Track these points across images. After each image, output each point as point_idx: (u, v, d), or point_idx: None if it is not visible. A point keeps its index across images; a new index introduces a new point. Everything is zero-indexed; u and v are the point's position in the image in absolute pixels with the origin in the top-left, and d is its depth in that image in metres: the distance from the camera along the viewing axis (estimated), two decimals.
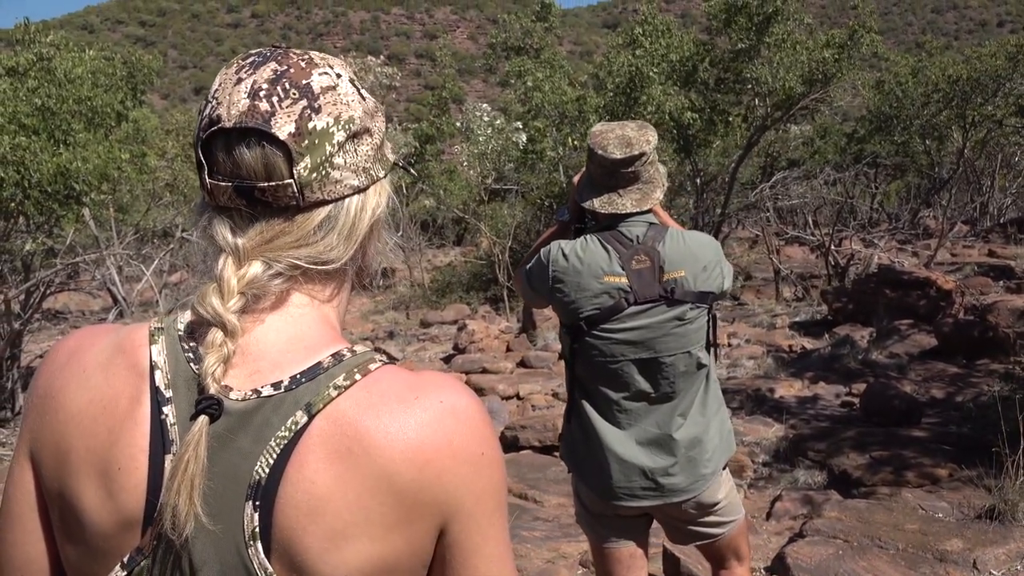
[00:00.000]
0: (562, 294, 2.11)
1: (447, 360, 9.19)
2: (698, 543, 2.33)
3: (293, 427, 0.73)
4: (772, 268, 12.30)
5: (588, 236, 2.15)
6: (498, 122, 12.40)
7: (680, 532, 2.32)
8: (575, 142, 13.38)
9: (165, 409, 0.75)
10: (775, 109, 13.18)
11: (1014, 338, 7.60)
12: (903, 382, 6.71)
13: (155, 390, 0.76)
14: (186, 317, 0.80)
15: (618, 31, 14.12)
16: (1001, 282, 12.02)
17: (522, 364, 8.43)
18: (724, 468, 2.25)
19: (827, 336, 8.97)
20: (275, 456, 0.72)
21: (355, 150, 0.80)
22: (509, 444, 5.90)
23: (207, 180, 0.77)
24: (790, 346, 8.84)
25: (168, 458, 0.73)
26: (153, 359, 0.78)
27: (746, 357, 8.19)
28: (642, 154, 2.06)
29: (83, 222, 11.69)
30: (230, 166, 0.76)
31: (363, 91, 0.84)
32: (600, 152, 2.08)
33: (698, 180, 14.43)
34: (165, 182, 15.12)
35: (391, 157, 0.88)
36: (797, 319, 10.32)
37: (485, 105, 13.63)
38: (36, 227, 8.77)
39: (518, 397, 7.29)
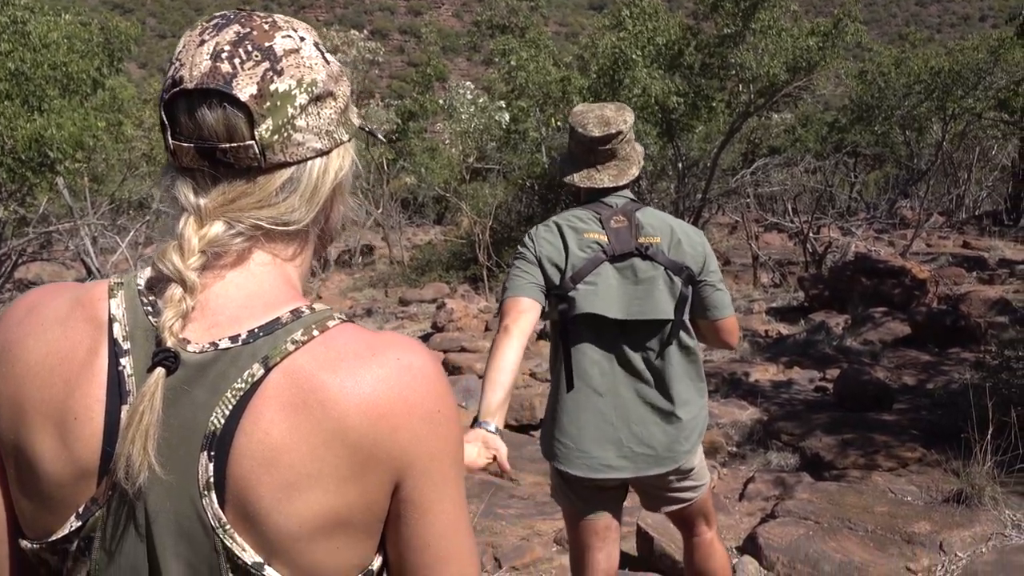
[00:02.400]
0: (548, 256, 2.18)
1: (425, 338, 9.18)
2: (671, 508, 2.40)
3: (249, 379, 0.74)
4: (751, 254, 12.39)
5: (571, 209, 2.28)
6: (481, 101, 12.32)
7: (656, 499, 2.40)
8: (558, 123, 13.34)
9: (123, 360, 0.76)
10: (759, 96, 13.20)
11: (985, 328, 7.73)
12: (876, 368, 6.80)
13: (113, 342, 0.77)
14: (146, 273, 0.81)
15: (604, 12, 14.04)
16: (974, 273, 12.20)
17: None
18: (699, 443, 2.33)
19: (803, 322, 9.06)
20: (231, 407, 0.73)
21: (318, 113, 0.81)
22: None
23: (170, 141, 0.78)
24: (766, 331, 8.92)
25: (124, 408, 0.74)
26: (112, 312, 0.79)
27: None
28: (619, 132, 2.20)
29: (57, 191, 11.48)
30: (192, 127, 0.77)
31: (327, 55, 0.85)
32: (580, 130, 2.22)
33: (680, 164, 14.45)
34: (142, 152, 14.88)
35: (356, 122, 0.89)
36: (774, 305, 10.41)
37: (469, 83, 13.53)
38: (8, 195, 8.60)
39: None
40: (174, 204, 0.80)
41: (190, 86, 0.76)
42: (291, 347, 0.75)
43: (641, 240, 2.18)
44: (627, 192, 2.29)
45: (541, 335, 8.50)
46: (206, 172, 0.78)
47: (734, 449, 5.22)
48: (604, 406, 2.21)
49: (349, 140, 0.87)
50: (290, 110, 0.78)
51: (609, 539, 2.35)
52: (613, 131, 2.20)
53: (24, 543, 0.80)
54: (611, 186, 2.24)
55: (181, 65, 0.77)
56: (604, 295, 2.15)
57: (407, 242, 18.27)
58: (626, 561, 3.63)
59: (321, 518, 0.74)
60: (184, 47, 0.79)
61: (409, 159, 17.94)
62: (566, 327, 2.21)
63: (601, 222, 2.20)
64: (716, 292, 2.26)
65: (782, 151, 16.98)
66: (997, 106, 16.46)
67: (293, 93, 0.78)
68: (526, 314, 2.13)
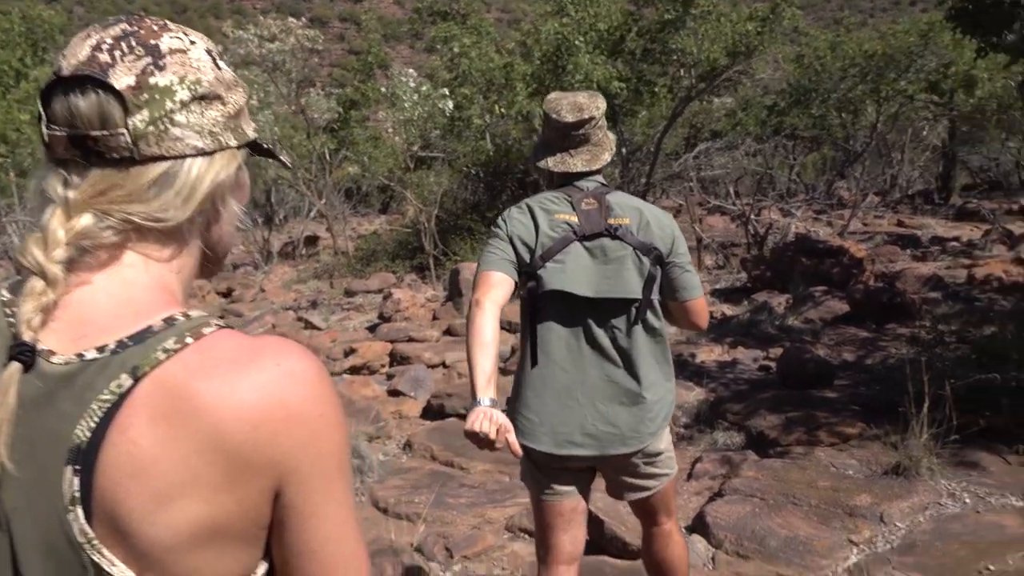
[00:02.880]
0: (519, 235, 2.24)
1: (372, 329, 9.08)
2: (635, 496, 2.42)
3: (117, 390, 0.72)
4: (695, 237, 12.54)
5: (543, 192, 2.35)
6: (424, 88, 12.18)
7: (620, 486, 2.41)
8: (502, 110, 13.28)
9: None
10: (700, 80, 13.35)
11: (920, 304, 7.97)
12: (817, 346, 6.96)
13: None
14: (8, 283, 0.80)
15: None
16: (908, 251, 12.58)
17: (448, 332, 8.39)
18: (665, 427, 2.36)
19: (746, 302, 9.22)
20: (97, 419, 0.71)
21: (201, 112, 0.81)
22: (435, 412, 5.88)
23: (44, 131, 0.77)
24: (711, 312, 9.05)
25: None
26: None
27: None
28: (591, 118, 2.28)
29: None
30: (65, 114, 0.76)
31: (221, 63, 0.85)
32: (554, 116, 2.29)
33: (624, 150, 14.53)
34: None
35: (250, 134, 0.88)
36: (718, 286, 10.56)
37: (411, 71, 13.35)
38: None
39: (444, 365, 7.25)
40: (43, 196, 0.78)
41: (65, 73, 0.76)
42: (162, 356, 0.73)
43: (611, 221, 2.23)
44: (598, 177, 2.35)
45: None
46: (79, 163, 0.77)
47: (682, 430, 5.28)
48: (570, 383, 2.24)
49: (238, 147, 0.85)
50: (169, 104, 0.78)
51: (575, 522, 2.36)
52: (586, 116, 2.27)
53: None
54: (584, 170, 2.31)
55: (63, 57, 0.77)
56: (572, 273, 2.20)
57: (352, 232, 18.03)
58: None
59: (196, 528, 0.72)
60: (72, 42, 0.78)
61: (352, 148, 17.67)
62: (535, 304, 2.25)
63: (572, 204, 2.26)
64: (685, 273, 2.31)
65: (723, 135, 17.21)
66: (927, 88, 16.95)
67: (174, 89, 0.78)
68: (497, 287, 2.17)
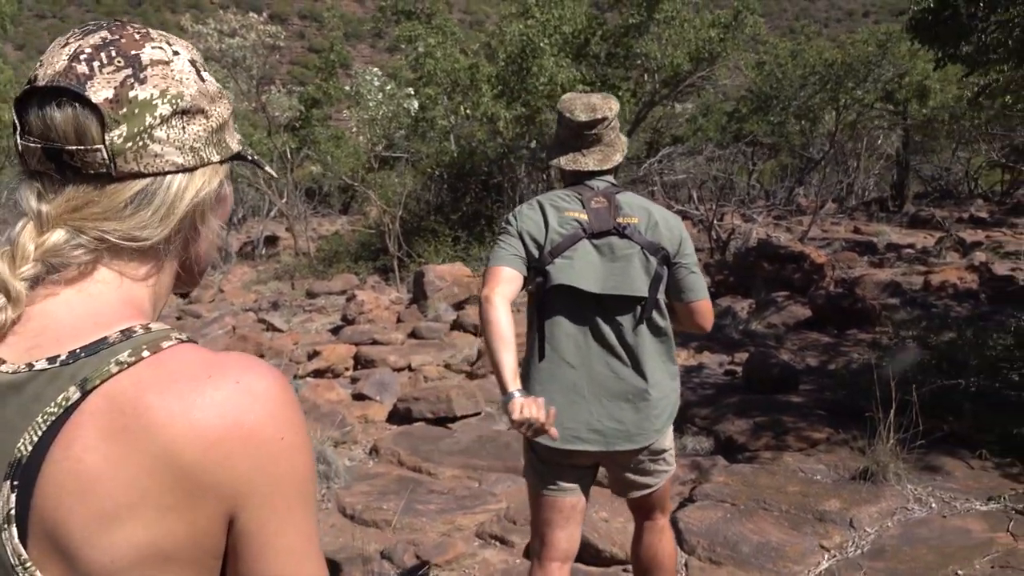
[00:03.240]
0: (528, 231, 2.27)
1: (335, 331, 8.94)
2: (638, 493, 2.44)
3: (64, 403, 0.68)
4: None
5: (554, 190, 2.39)
6: (389, 87, 12.05)
7: (624, 483, 2.43)
8: (467, 111, 13.22)
9: None
10: (663, 85, 13.45)
11: (879, 310, 8.12)
12: (781, 351, 7.03)
13: None
14: None
15: (510, 0, 13.98)
16: (866, 257, 12.83)
17: (413, 335, 8.29)
18: (669, 427, 2.39)
19: None
20: (40, 433, 0.67)
21: (183, 127, 0.77)
22: (402, 416, 5.79)
23: (19, 142, 0.74)
24: None
25: None
26: None
27: None
28: (604, 118, 2.32)
29: None
30: (40, 127, 0.73)
31: (205, 75, 0.82)
32: (568, 115, 2.33)
33: None
34: None
35: (235, 147, 0.84)
36: None
37: (376, 69, 13.21)
38: None
39: (410, 368, 7.16)
40: (14, 209, 0.75)
41: (41, 83, 0.73)
42: (115, 368, 0.69)
43: (620, 220, 2.27)
44: (609, 177, 2.38)
45: (455, 326, 8.41)
46: (53, 177, 0.74)
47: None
48: (576, 379, 2.26)
49: (221, 162, 0.82)
50: (148, 119, 0.74)
51: (573, 519, 2.37)
52: (599, 116, 2.30)
53: None
54: (596, 169, 2.34)
55: (40, 65, 0.74)
56: (580, 269, 2.23)
57: (313, 233, 17.79)
58: None
59: (141, 552, 0.68)
60: (49, 50, 0.75)
61: (313, 147, 17.44)
62: (543, 300, 2.29)
63: (582, 202, 2.29)
64: (691, 275, 2.34)
65: (685, 140, 17.39)
66: (883, 98, 17.34)
67: (155, 103, 0.75)
68: (506, 283, 2.20)
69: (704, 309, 2.37)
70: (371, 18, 16.37)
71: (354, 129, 13.22)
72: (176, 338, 0.74)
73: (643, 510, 2.53)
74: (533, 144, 14.08)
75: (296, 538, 0.74)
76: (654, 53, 12.45)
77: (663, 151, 15.85)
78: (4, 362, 0.71)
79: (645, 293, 2.25)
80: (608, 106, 2.33)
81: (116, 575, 0.67)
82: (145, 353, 0.71)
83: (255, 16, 12.69)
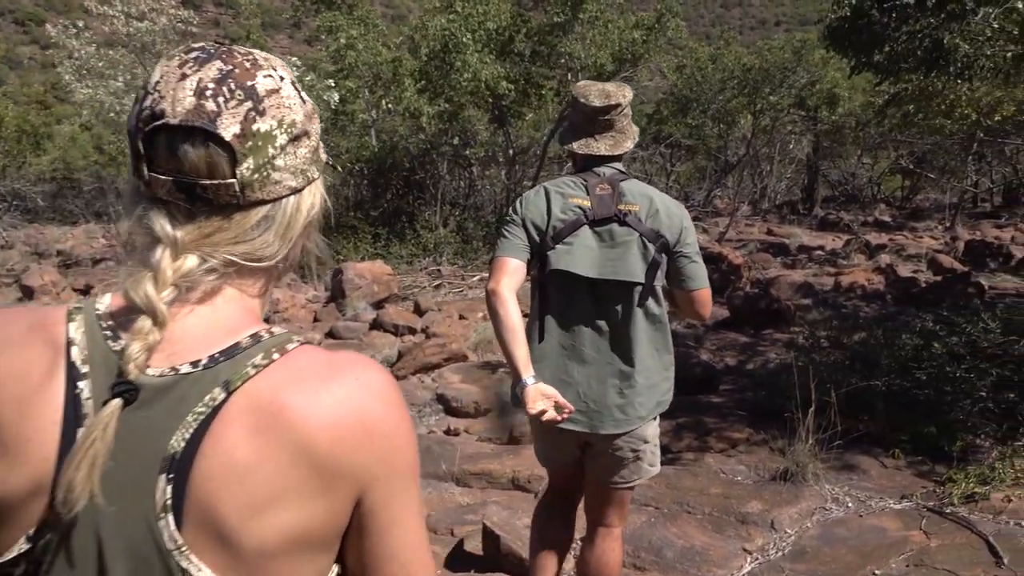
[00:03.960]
0: (531, 218, 2.33)
1: None
2: (614, 482, 2.47)
3: (211, 403, 0.75)
4: None
5: (562, 176, 2.44)
6: (308, 78, 11.67)
7: (603, 468, 2.46)
8: (389, 105, 12.95)
9: (80, 384, 0.76)
10: None
11: (794, 310, 8.31)
12: (701, 351, 7.10)
13: (70, 365, 0.77)
14: (106, 300, 0.82)
15: None
16: (779, 258, 13.19)
17: (331, 335, 8.04)
18: (655, 418, 2.44)
19: None
20: (192, 430, 0.74)
21: (295, 152, 0.82)
22: None
23: (146, 172, 0.77)
24: None
25: (80, 432, 0.74)
26: (70, 335, 0.78)
27: None
28: (618, 104, 2.35)
29: None
30: (172, 162, 0.76)
31: (303, 94, 0.86)
32: (582, 100, 2.36)
33: (511, 151, 14.52)
34: None
35: (324, 157, 0.90)
36: None
37: (295, 59, 12.78)
38: None
39: None
40: (147, 233, 0.79)
41: (174, 121, 0.76)
42: (252, 371, 0.77)
43: (621, 207, 2.31)
44: (619, 164, 2.42)
45: (374, 325, 8.19)
46: (181, 205, 0.78)
47: None
48: (568, 360, 2.34)
49: (319, 177, 0.89)
50: (271, 150, 0.79)
51: (573, 476, 2.57)
52: (613, 103, 2.33)
53: None
54: (607, 154, 2.37)
55: (161, 97, 0.76)
56: (578, 255, 2.29)
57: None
58: (472, 561, 3.49)
59: (285, 536, 0.75)
60: (162, 78, 0.78)
61: None
62: (543, 284, 2.36)
63: (587, 188, 2.34)
64: (691, 264, 2.36)
65: None
66: (795, 104, 17.89)
67: (274, 134, 0.79)
68: (511, 275, 2.27)
69: (703, 298, 2.40)
70: (290, 7, 15.89)
71: None
72: (297, 340, 0.81)
73: (601, 512, 2.55)
74: (456, 140, 13.92)
75: (411, 514, 0.83)
76: (578, 52, 12.47)
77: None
78: (148, 366, 0.76)
79: (641, 279, 2.30)
80: (622, 93, 2.38)
81: (265, 557, 0.74)
82: (275, 355, 0.78)
83: None
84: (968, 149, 16.61)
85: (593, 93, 2.37)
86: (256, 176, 0.79)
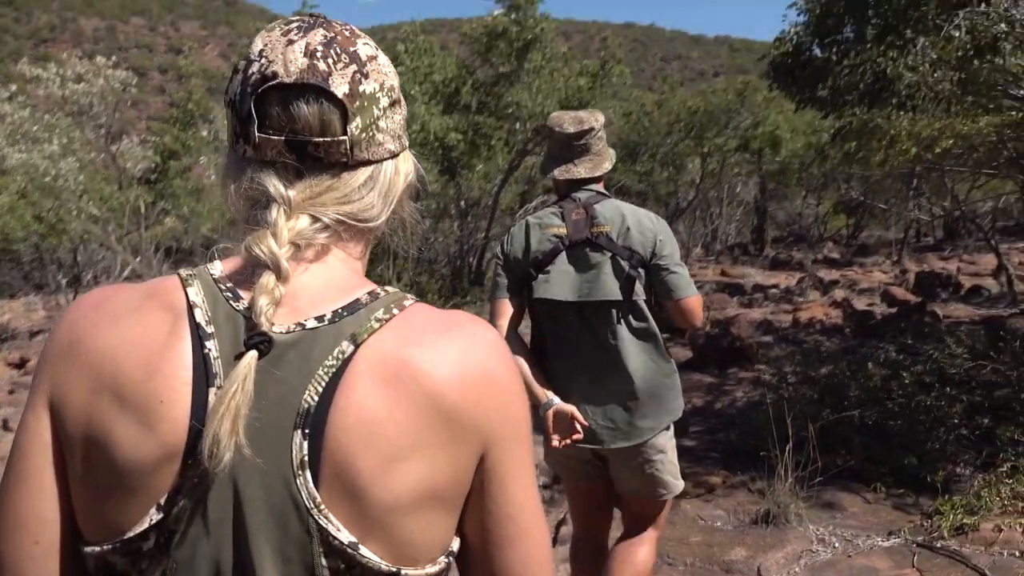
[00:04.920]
0: (513, 253, 2.46)
1: None
2: (636, 494, 2.55)
3: (340, 356, 0.75)
4: None
5: (541, 211, 2.55)
6: None
7: (624, 481, 2.54)
8: None
9: (208, 344, 0.76)
10: (535, 134, 13.51)
11: (756, 347, 8.21)
12: None
13: (196, 326, 0.77)
14: (217, 265, 0.83)
15: (380, 48, 13.76)
16: (736, 298, 13.18)
17: None
18: (668, 428, 2.50)
19: None
20: (323, 384, 0.74)
21: (393, 117, 0.85)
22: None
23: (256, 135, 0.79)
24: None
25: (212, 391, 0.74)
26: (191, 299, 0.79)
27: None
28: (591, 128, 2.45)
29: None
30: (284, 120, 0.79)
31: (392, 67, 0.88)
32: (557, 129, 2.47)
33: (462, 203, 14.41)
34: None
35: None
36: None
37: None
38: None
39: None
40: (259, 195, 0.81)
41: (288, 80, 0.78)
42: (375, 324, 0.77)
43: (593, 229, 2.40)
44: (597, 186, 2.51)
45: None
46: (289, 166, 0.80)
47: (541, 491, 4.94)
48: (568, 383, 2.41)
49: (408, 147, 0.91)
50: (375, 111, 0.82)
51: (590, 505, 2.66)
52: (586, 127, 2.44)
53: (88, 548, 0.76)
54: (587, 176, 2.46)
55: (270, 62, 0.79)
56: (556, 281, 2.40)
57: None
58: None
59: (417, 490, 0.75)
60: (267, 46, 0.81)
61: (171, 202, 16.41)
62: (533, 312, 2.50)
63: (563, 216, 2.43)
64: (671, 275, 2.41)
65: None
66: (740, 147, 18.22)
67: (377, 96, 0.82)
68: (505, 316, 2.42)
69: (689, 306, 2.44)
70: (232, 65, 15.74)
71: (214, 178, 12.41)
72: (412, 298, 0.83)
73: (635, 522, 2.61)
74: None
75: (527, 474, 0.83)
76: (525, 101, 12.50)
77: (536, 200, 15.92)
78: (272, 324, 0.75)
79: (618, 296, 2.36)
80: (594, 118, 2.48)
81: (397, 513, 0.74)
82: (395, 311, 0.79)
83: (103, 60, 11.76)
84: (909, 184, 17.05)
85: (567, 121, 2.47)
86: (364, 135, 0.81)
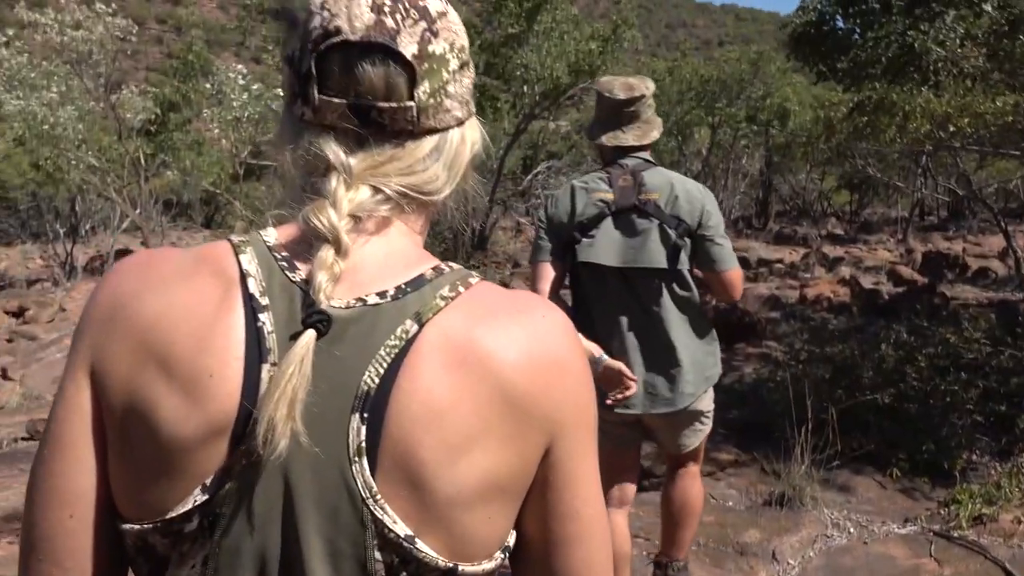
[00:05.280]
0: (557, 216, 2.46)
1: None
2: (678, 451, 2.65)
3: (404, 336, 0.70)
4: None
5: (590, 173, 2.57)
6: (255, 87, 11.17)
7: (666, 441, 2.65)
8: None
9: (261, 317, 0.71)
10: (543, 98, 13.27)
11: (764, 323, 8.13)
12: None
13: (249, 297, 0.72)
14: (272, 233, 0.77)
15: None
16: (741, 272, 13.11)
17: None
18: (707, 391, 2.55)
19: None
20: (386, 365, 0.69)
21: (462, 80, 0.79)
22: None
23: (316, 96, 0.73)
24: None
25: (265, 367, 0.69)
26: (244, 267, 0.73)
27: None
28: (642, 96, 2.44)
29: None
30: (347, 83, 0.73)
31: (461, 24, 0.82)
32: (607, 94, 2.45)
33: None
34: None
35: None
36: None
37: (240, 67, 12.27)
38: None
39: None
40: (317, 161, 0.74)
41: (353, 38, 0.72)
42: (441, 303, 0.72)
43: (641, 196, 2.39)
44: (645, 154, 2.49)
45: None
46: (350, 131, 0.74)
47: None
48: (610, 350, 2.36)
49: (475, 113, 0.84)
50: (444, 74, 0.76)
51: (624, 470, 2.66)
52: (636, 95, 2.42)
53: (127, 526, 0.71)
54: (635, 144, 2.45)
55: (333, 15, 0.72)
56: (601, 246, 2.39)
57: (172, 246, 16.46)
58: None
59: (482, 482, 0.70)
60: None
61: (171, 154, 16.15)
62: (575, 276, 2.49)
63: (610, 181, 2.43)
64: (715, 246, 2.41)
65: (560, 156, 17.36)
66: (748, 119, 17.96)
67: (447, 57, 0.76)
68: (548, 278, 2.43)
69: (731, 279, 2.45)
70: (236, 17, 15.39)
71: (216, 132, 12.16)
72: (478, 275, 0.78)
73: (678, 460, 2.73)
74: None
75: (592, 470, 0.79)
76: (534, 64, 12.24)
77: (540, 166, 15.70)
78: (331, 298, 0.70)
79: (664, 265, 2.36)
80: (645, 85, 2.46)
81: (459, 506, 0.69)
82: (460, 288, 0.74)
83: (102, 7, 11.46)
84: (917, 162, 16.86)
85: (617, 86, 2.44)
86: (432, 101, 0.75)
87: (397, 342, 0.69)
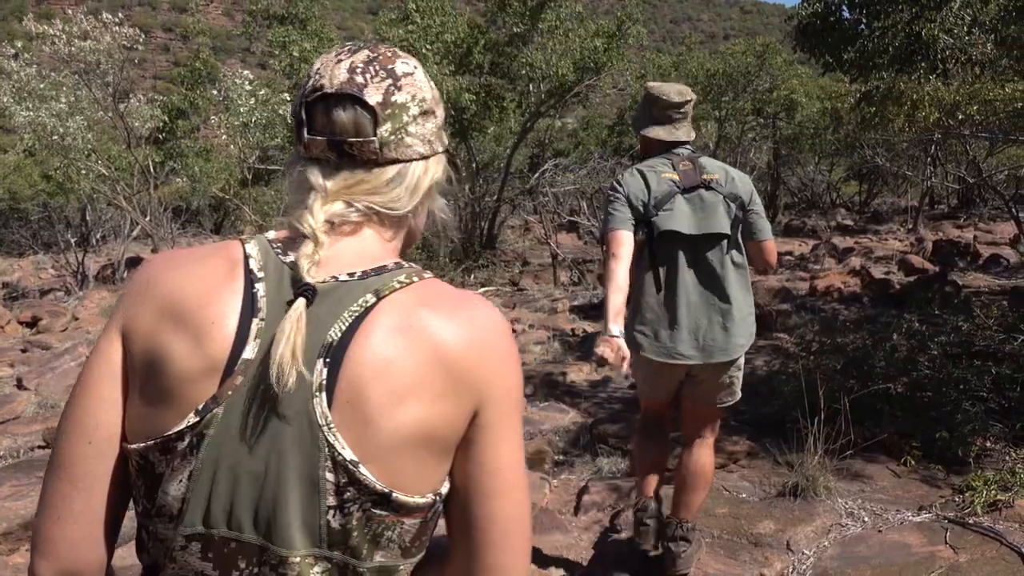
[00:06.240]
0: (634, 193, 2.83)
1: None
2: (717, 402, 2.99)
3: (363, 304, 0.91)
4: (549, 253, 12.39)
5: (647, 160, 2.95)
6: (262, 92, 11.24)
7: (707, 392, 2.97)
8: None
9: (257, 285, 0.93)
10: (548, 96, 13.27)
11: (775, 316, 8.10)
12: None
13: (249, 271, 0.94)
14: (271, 232, 1.00)
15: (391, 7, 13.46)
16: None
17: None
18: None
19: None
20: (347, 324, 0.90)
21: (424, 124, 1.01)
22: None
23: (305, 135, 0.97)
24: (572, 330, 8.81)
25: (255, 321, 0.90)
26: (247, 251, 0.96)
27: (533, 343, 8.00)
28: (690, 100, 2.95)
29: None
30: (326, 124, 0.96)
31: (431, 83, 1.05)
32: (664, 98, 2.90)
33: (474, 165, 14.23)
34: None
35: (446, 142, 1.08)
36: (576, 303, 10.39)
37: (247, 72, 12.34)
38: None
39: None
40: (304, 185, 0.98)
41: (330, 90, 0.95)
42: (397, 285, 0.93)
43: (704, 177, 2.84)
44: (689, 146, 2.97)
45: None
46: (331, 162, 0.97)
47: (561, 457, 4.89)
48: (679, 306, 2.80)
49: (443, 152, 1.06)
50: (405, 118, 0.98)
51: (661, 412, 3.17)
52: (688, 98, 2.92)
53: (133, 446, 0.91)
54: (686, 139, 2.94)
55: (320, 77, 0.96)
56: (678, 217, 2.79)
57: None
58: None
59: (417, 427, 0.88)
60: (322, 65, 0.98)
61: (180, 161, 16.23)
62: (652, 246, 2.82)
63: (673, 166, 2.87)
64: (760, 219, 2.92)
65: (566, 154, 17.35)
66: (755, 111, 17.90)
67: (408, 105, 0.99)
68: (626, 245, 2.76)
69: (771, 248, 2.96)
70: (241, 23, 15.44)
71: (224, 137, 12.22)
72: (429, 273, 0.99)
73: (697, 428, 3.06)
74: None
75: (516, 436, 0.97)
76: (539, 63, 12.23)
77: (548, 164, 15.70)
78: (313, 278, 0.92)
79: (728, 231, 2.80)
80: (691, 92, 2.95)
81: (397, 444, 0.88)
82: (415, 278, 0.95)
83: (109, 17, 11.55)
84: (927, 151, 16.76)
85: (672, 91, 2.90)
86: (392, 137, 0.97)
87: (358, 308, 0.90)
